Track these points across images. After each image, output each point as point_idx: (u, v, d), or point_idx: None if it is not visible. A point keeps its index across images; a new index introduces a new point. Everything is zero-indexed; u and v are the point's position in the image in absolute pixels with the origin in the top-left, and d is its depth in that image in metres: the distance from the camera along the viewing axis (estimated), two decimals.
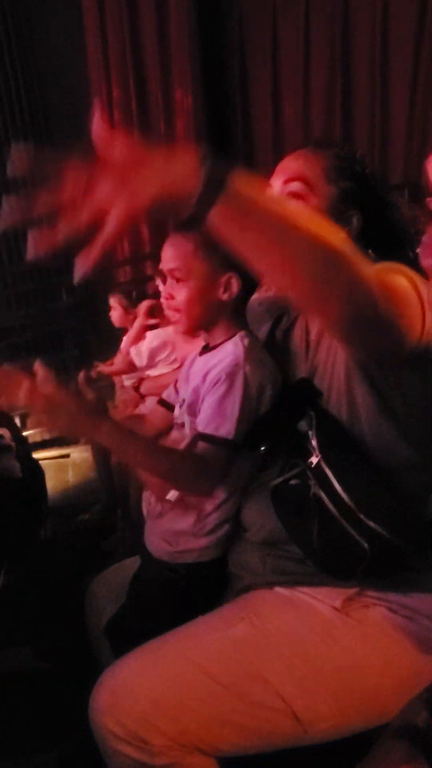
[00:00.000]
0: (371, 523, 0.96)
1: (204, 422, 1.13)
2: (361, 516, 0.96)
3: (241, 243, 0.76)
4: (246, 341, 1.19)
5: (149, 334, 3.07)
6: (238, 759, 1.02)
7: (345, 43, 4.09)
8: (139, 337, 3.14)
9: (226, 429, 1.11)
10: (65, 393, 1.05)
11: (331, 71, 4.18)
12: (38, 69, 4.27)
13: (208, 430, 1.12)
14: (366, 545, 0.96)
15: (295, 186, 1.10)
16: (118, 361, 3.25)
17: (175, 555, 1.24)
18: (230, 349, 1.18)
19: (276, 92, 4.44)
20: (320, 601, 1.07)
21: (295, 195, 1.09)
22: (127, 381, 3.04)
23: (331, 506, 0.98)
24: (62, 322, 4.21)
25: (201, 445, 1.12)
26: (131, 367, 3.06)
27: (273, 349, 1.23)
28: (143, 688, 0.99)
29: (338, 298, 0.80)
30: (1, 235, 4.02)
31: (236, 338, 1.20)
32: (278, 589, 1.11)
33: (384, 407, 1.03)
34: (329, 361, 1.08)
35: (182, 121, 4.42)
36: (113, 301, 3.40)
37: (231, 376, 1.13)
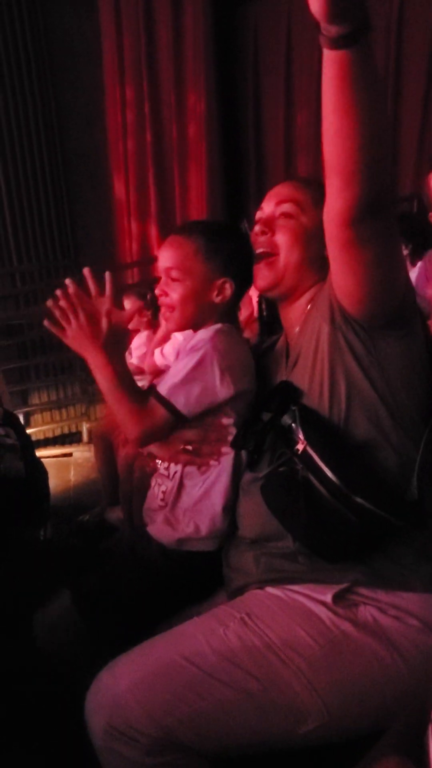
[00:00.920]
0: (358, 499, 1.03)
1: (164, 384, 1.22)
2: (349, 492, 1.03)
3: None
4: (219, 327, 1.26)
5: (176, 335, 3.07)
6: (229, 760, 1.05)
7: None
8: (166, 338, 3.15)
9: (177, 400, 1.20)
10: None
11: None
12: (53, 70, 4.29)
13: (163, 392, 1.20)
14: (355, 519, 1.03)
15: (289, 207, 1.20)
16: (129, 362, 3.27)
17: (176, 541, 1.29)
18: (202, 332, 1.27)
19: (288, 99, 4.45)
20: (311, 598, 1.09)
21: (288, 215, 1.20)
22: (140, 383, 3.06)
23: (319, 486, 1.05)
24: None
25: (153, 402, 1.21)
26: (147, 369, 3.07)
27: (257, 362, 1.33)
28: (137, 686, 1.02)
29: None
30: (9, 235, 4.05)
31: (212, 326, 1.27)
32: (270, 589, 1.14)
33: (366, 387, 1.09)
34: (308, 362, 1.14)
35: (194, 126, 4.44)
36: (127, 303, 3.41)
37: (197, 350, 1.21)
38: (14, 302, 4.14)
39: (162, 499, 1.34)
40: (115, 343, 1.25)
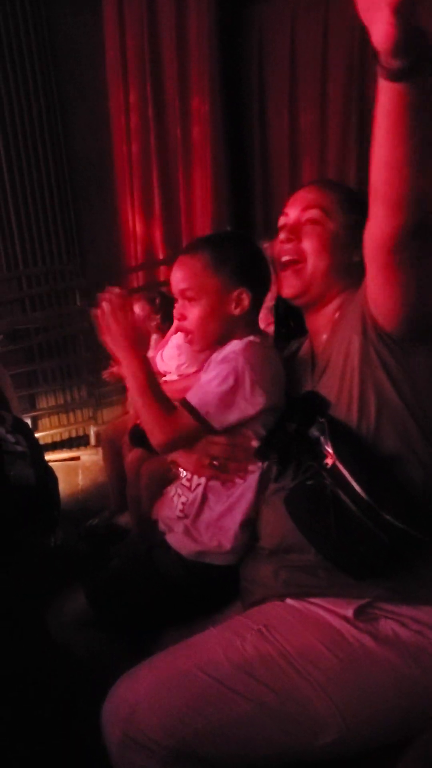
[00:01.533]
0: (388, 516, 1.01)
1: (194, 393, 1.21)
2: (379, 510, 1.01)
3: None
4: (251, 339, 1.25)
5: (174, 338, 3.08)
6: None
7: (363, 54, 4.09)
8: (165, 342, 3.16)
9: (207, 411, 1.19)
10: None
11: (348, 81, 4.18)
12: (57, 75, 4.29)
13: (193, 401, 1.20)
14: (384, 537, 1.01)
15: (315, 212, 1.18)
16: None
17: (196, 554, 1.29)
18: (235, 343, 1.26)
19: (293, 101, 4.44)
20: (331, 612, 1.09)
21: (314, 221, 1.18)
22: None
23: (349, 503, 1.03)
24: (75, 326, 4.23)
25: (182, 410, 1.21)
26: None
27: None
28: (153, 697, 1.02)
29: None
30: (15, 239, 4.06)
31: (246, 338, 1.26)
32: (289, 601, 1.14)
33: (396, 401, 1.08)
34: (337, 372, 1.12)
35: (199, 129, 4.43)
36: (137, 307, 3.40)
37: (228, 361, 1.21)
38: (20, 306, 4.14)
39: (182, 510, 1.34)
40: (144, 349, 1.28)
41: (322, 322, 1.23)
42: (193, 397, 1.21)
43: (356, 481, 1.03)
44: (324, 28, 4.15)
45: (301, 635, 1.07)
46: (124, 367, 1.26)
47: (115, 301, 1.25)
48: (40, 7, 4.14)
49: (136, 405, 1.26)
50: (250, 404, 1.20)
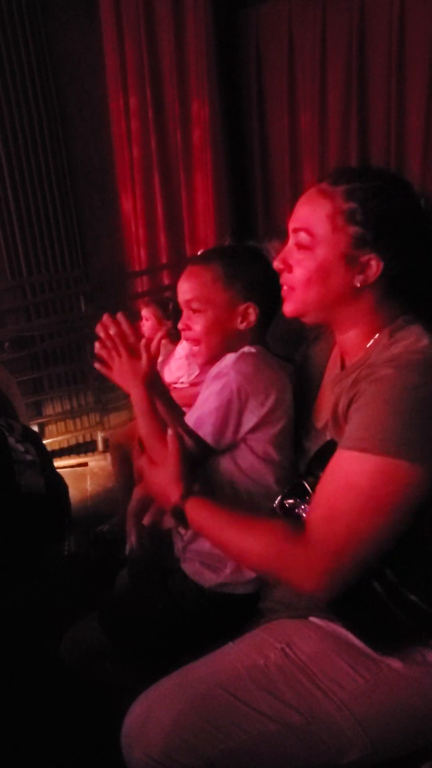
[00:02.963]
0: (413, 597, 0.95)
1: (191, 415, 1.21)
2: (405, 590, 0.95)
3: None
4: (245, 350, 1.21)
5: (178, 349, 3.09)
6: None
7: (361, 56, 4.09)
8: (171, 354, 3.17)
9: (204, 431, 1.18)
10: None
11: (347, 84, 4.17)
12: (56, 82, 4.29)
13: (190, 423, 1.20)
14: (405, 618, 0.96)
15: (302, 237, 1.06)
16: None
17: (216, 585, 1.26)
18: (228, 356, 1.22)
19: (292, 104, 4.44)
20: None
21: (302, 246, 1.06)
22: None
23: (373, 580, 0.97)
24: (81, 332, 4.24)
25: (182, 434, 1.19)
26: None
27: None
28: (177, 718, 1.00)
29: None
30: (18, 247, 4.06)
31: (240, 350, 1.22)
32: (313, 619, 1.12)
33: None
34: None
35: (198, 132, 4.44)
36: (147, 312, 3.36)
37: (221, 376, 1.18)
38: (25, 314, 4.15)
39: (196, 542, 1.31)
40: (154, 378, 1.26)
41: (349, 344, 1.12)
42: (190, 419, 1.20)
43: (383, 559, 0.95)
44: (322, 28, 4.14)
45: (324, 654, 1.05)
46: (132, 398, 1.25)
47: (112, 332, 1.24)
48: (38, 14, 4.14)
49: (142, 433, 1.25)
50: (245, 417, 1.17)
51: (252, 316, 1.24)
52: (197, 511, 1.09)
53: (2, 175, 4.02)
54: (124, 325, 1.25)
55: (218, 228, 4.46)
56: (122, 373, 1.24)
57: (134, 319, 3.42)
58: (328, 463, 0.98)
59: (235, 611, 1.26)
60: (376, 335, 1.05)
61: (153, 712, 1.02)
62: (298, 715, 1.00)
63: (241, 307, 1.24)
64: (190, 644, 1.27)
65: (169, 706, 1.02)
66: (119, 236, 4.65)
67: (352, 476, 0.93)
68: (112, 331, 1.23)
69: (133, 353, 1.23)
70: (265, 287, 1.23)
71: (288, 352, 1.34)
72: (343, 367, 1.16)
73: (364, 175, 1.04)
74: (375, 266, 1.03)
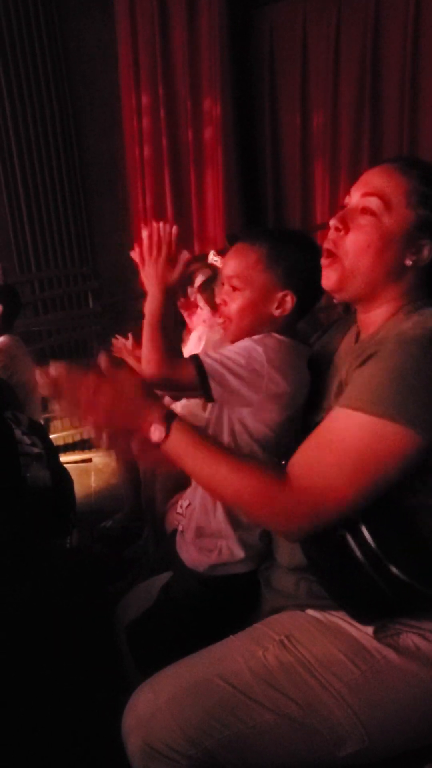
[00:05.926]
0: (394, 569, 0.96)
1: (206, 354, 1.16)
2: (386, 561, 0.96)
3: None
4: (270, 334, 1.19)
5: (194, 333, 2.97)
6: None
7: (375, 54, 4.09)
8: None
9: (214, 371, 1.12)
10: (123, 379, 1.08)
11: (360, 82, 4.18)
12: (69, 79, 4.31)
13: (205, 360, 1.14)
14: (388, 591, 0.96)
15: (373, 202, 1.03)
16: None
17: (211, 567, 1.25)
18: (254, 336, 1.20)
19: (305, 102, 4.44)
20: (353, 625, 1.07)
21: (370, 211, 1.03)
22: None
23: (356, 549, 0.97)
24: (88, 328, 4.24)
25: (187, 359, 1.16)
26: None
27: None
28: (173, 705, 1.01)
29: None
30: (28, 242, 4.08)
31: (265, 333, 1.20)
32: (311, 612, 1.12)
33: None
34: None
35: (210, 131, 4.45)
36: (200, 301, 3.11)
37: (246, 343, 1.16)
38: (33, 309, 4.16)
39: (181, 514, 1.31)
40: (175, 291, 1.25)
41: (369, 322, 1.11)
42: (206, 357, 1.15)
43: (367, 527, 0.96)
44: (336, 27, 4.14)
45: (323, 646, 1.05)
46: (147, 299, 1.24)
47: (159, 235, 1.23)
48: (53, 12, 4.16)
49: (143, 336, 1.24)
50: (256, 386, 1.13)
51: (288, 305, 1.21)
52: (181, 434, 1.04)
53: (14, 171, 4.04)
54: (170, 236, 1.24)
55: (227, 226, 4.46)
56: (150, 274, 1.23)
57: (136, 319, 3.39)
58: (323, 420, 1.00)
59: (236, 596, 1.26)
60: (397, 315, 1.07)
61: (153, 702, 1.03)
62: (296, 706, 1.00)
63: (279, 294, 1.20)
64: (195, 635, 1.27)
65: (168, 696, 1.02)
66: (128, 233, 4.65)
67: (342, 432, 0.95)
68: (160, 232, 1.22)
69: (171, 262, 1.23)
70: (307, 277, 1.19)
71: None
72: (357, 341, 1.16)
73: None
74: (427, 252, 1.04)
